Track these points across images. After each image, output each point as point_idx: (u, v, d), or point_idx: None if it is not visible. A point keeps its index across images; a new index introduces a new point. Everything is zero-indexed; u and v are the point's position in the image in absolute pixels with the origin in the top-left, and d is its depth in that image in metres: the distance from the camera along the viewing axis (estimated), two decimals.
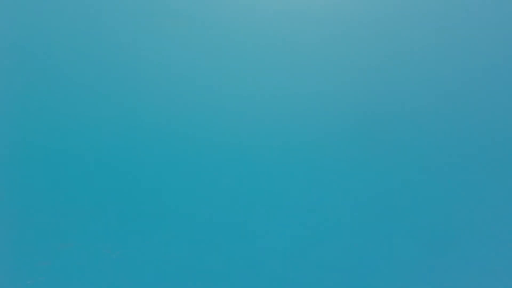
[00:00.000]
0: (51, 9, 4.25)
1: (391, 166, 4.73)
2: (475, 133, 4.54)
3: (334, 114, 4.64)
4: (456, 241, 3.99)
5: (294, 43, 4.50)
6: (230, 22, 4.45)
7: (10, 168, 3.97)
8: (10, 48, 4.13)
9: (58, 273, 3.46)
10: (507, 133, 4.53)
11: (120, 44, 4.35)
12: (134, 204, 4.32)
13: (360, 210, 4.51)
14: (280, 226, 4.39)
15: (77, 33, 4.30)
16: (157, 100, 4.43)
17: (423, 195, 4.59)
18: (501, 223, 4.22)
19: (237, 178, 4.52)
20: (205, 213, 4.53)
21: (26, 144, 4.09)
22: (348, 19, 4.50)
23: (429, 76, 4.69)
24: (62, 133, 4.23)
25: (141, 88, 4.41)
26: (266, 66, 4.54)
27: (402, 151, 4.78)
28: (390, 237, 4.06)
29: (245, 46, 4.46)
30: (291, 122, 4.66)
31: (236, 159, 4.51)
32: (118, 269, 3.50)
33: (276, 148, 4.60)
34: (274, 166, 4.57)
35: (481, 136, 4.54)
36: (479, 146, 4.52)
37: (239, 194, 4.54)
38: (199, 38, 4.42)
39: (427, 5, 4.46)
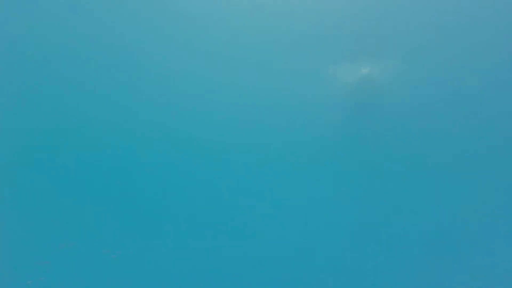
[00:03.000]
0: (51, 9, 4.26)
1: (392, 166, 4.73)
2: (475, 133, 4.54)
3: (334, 114, 4.64)
4: (457, 241, 3.99)
5: (295, 43, 4.50)
6: (231, 22, 4.45)
7: (10, 168, 3.97)
8: (10, 48, 4.13)
9: (58, 273, 3.46)
10: (507, 133, 4.54)
11: (119, 44, 4.35)
12: (134, 204, 4.32)
13: (360, 210, 4.51)
14: (280, 226, 4.39)
15: (77, 33, 4.31)
16: (157, 100, 4.43)
17: (423, 194, 4.59)
18: (503, 223, 4.22)
19: (237, 178, 4.52)
20: (205, 212, 4.53)
21: (26, 144, 4.09)
22: (348, 19, 4.50)
23: (429, 76, 4.69)
24: (62, 133, 4.24)
25: (140, 89, 4.41)
26: (266, 67, 4.55)
27: (403, 150, 4.78)
28: (391, 237, 4.06)
29: (244, 46, 4.46)
30: (291, 122, 4.67)
31: (236, 159, 4.51)
32: (118, 269, 3.49)
33: (276, 148, 4.60)
34: (275, 166, 4.58)
35: (481, 135, 4.54)
36: (480, 146, 4.52)
37: (239, 194, 4.54)
38: (199, 38, 4.42)
39: (428, 4, 4.46)
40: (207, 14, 4.40)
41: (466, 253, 3.73)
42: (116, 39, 4.34)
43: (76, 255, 3.70)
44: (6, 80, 4.16)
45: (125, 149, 4.35)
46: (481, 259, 3.58)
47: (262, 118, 4.49)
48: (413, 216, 4.41)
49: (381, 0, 4.42)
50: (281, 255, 3.79)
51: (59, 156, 4.18)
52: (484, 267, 3.47)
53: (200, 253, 3.83)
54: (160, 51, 4.31)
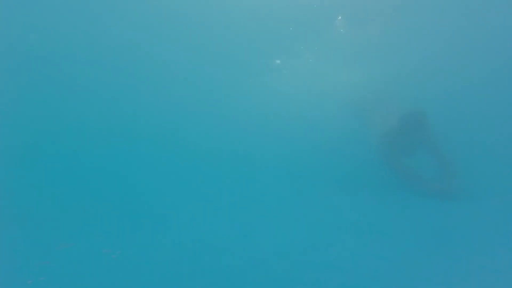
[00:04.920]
0: (51, 9, 4.26)
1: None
2: (474, 132, 4.54)
3: (334, 116, 4.65)
4: (456, 240, 3.99)
5: (294, 45, 4.50)
6: (230, 23, 4.45)
7: (10, 168, 3.97)
8: (10, 48, 4.14)
9: (58, 273, 3.46)
10: (507, 133, 4.54)
11: (120, 45, 4.36)
12: (134, 205, 4.32)
13: (359, 212, 4.51)
14: (280, 227, 4.39)
15: (77, 33, 4.31)
16: (159, 102, 4.44)
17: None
18: (502, 222, 4.22)
19: (237, 179, 4.52)
20: (205, 213, 4.53)
21: (27, 145, 4.09)
22: (350, 19, 4.50)
23: (431, 76, 4.69)
24: (63, 134, 4.24)
25: (141, 91, 4.42)
26: (266, 68, 4.55)
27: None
28: (391, 237, 4.07)
29: (244, 48, 4.47)
30: (292, 123, 4.67)
31: (236, 161, 4.52)
32: (118, 269, 3.50)
33: (276, 150, 4.60)
34: (274, 168, 4.57)
35: (480, 134, 4.54)
36: (479, 145, 4.52)
37: (239, 195, 4.54)
38: (199, 40, 4.42)
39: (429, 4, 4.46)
40: (206, 14, 4.39)
41: (465, 253, 3.73)
42: (116, 38, 4.33)
43: (76, 255, 3.71)
44: (6, 79, 4.16)
45: (125, 151, 4.35)
46: (481, 259, 3.58)
47: (262, 120, 4.49)
48: (414, 216, 4.40)
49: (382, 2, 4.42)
50: (281, 255, 3.80)
51: (60, 157, 4.18)
52: (484, 267, 3.46)
53: (200, 253, 3.84)
54: (160, 53, 4.31)
